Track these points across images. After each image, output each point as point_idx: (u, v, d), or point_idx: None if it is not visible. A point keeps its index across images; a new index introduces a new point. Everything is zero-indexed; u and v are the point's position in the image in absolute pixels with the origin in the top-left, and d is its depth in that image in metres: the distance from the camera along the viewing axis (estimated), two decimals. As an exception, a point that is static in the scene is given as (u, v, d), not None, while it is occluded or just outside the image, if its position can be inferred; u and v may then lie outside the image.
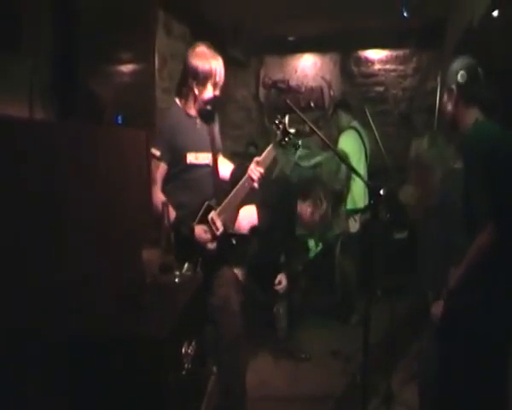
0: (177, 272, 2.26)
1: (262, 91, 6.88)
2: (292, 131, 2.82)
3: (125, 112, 3.58)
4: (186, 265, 2.57)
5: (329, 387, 3.51)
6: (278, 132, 2.82)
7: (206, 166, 2.83)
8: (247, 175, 2.80)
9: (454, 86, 2.38)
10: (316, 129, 2.77)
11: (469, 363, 2.27)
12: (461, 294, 2.26)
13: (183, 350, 1.90)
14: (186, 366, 1.90)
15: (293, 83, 5.94)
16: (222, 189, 2.90)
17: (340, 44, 6.54)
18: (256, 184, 2.81)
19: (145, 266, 2.07)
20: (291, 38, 6.57)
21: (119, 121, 3.59)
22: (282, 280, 3.92)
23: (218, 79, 2.73)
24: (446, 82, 2.45)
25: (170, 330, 1.71)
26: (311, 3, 5.02)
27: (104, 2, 3.48)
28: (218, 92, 2.76)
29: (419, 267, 3.99)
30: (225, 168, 3.00)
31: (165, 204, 2.26)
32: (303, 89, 6.32)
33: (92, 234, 1.83)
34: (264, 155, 2.84)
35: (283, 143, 2.83)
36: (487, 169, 2.16)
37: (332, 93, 6.52)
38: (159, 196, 2.61)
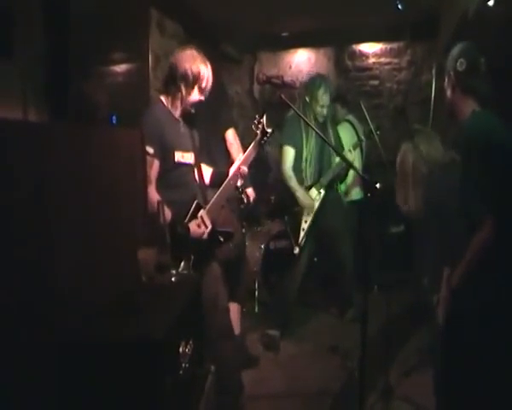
0: (174, 271, 2.26)
1: (256, 88, 6.88)
2: (269, 130, 2.94)
3: (119, 112, 3.57)
4: (182, 264, 2.58)
5: (327, 382, 3.50)
6: (258, 132, 2.93)
7: (190, 165, 2.88)
8: (231, 174, 2.90)
9: (452, 73, 2.29)
10: (311, 124, 2.78)
11: (477, 363, 2.20)
12: (464, 292, 2.17)
13: (181, 350, 1.90)
14: (184, 365, 1.90)
15: (287, 78, 5.90)
16: (206, 188, 3.00)
17: (334, 39, 6.52)
18: (240, 182, 2.95)
19: (141, 265, 2.07)
20: (285, 34, 6.55)
21: (114, 121, 3.58)
22: None
23: (205, 83, 2.76)
24: (447, 67, 2.34)
25: (167, 330, 1.71)
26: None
27: (96, 2, 3.47)
28: (203, 97, 2.80)
29: (416, 259, 3.97)
30: (205, 172, 3.07)
31: (160, 203, 2.26)
32: (298, 84, 6.30)
33: (86, 234, 1.83)
34: (246, 154, 2.96)
35: (262, 142, 2.96)
36: (486, 162, 2.08)
37: (327, 88, 6.50)
38: (154, 195, 2.59)
